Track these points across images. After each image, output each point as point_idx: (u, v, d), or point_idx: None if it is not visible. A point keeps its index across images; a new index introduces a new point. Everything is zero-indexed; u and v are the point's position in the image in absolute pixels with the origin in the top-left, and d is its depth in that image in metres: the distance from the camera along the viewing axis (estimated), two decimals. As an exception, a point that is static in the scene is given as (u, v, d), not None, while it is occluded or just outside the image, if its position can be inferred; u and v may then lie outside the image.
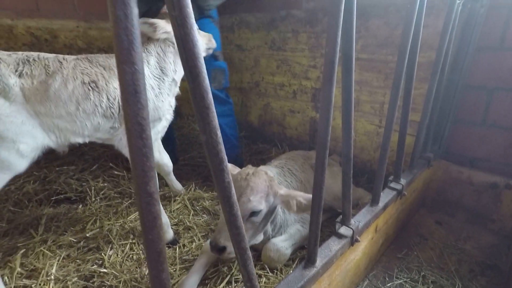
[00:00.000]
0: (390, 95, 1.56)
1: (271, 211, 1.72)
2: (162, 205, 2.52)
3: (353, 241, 1.32)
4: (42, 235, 2.26)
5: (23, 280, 1.86)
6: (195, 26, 0.54)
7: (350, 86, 1.12)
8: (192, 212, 2.56)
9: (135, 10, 0.41)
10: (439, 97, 2.25)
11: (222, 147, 0.58)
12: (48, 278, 1.87)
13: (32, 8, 4.02)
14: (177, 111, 5.19)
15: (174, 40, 2.04)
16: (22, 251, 2.08)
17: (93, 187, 2.84)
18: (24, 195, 2.72)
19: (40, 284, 1.83)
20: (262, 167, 2.24)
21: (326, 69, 0.94)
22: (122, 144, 2.00)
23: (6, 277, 1.86)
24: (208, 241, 2.03)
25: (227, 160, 0.62)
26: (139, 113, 0.43)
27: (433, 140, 2.39)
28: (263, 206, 1.59)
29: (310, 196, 1.52)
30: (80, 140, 1.89)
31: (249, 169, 1.76)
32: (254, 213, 1.59)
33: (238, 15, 3.72)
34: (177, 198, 2.74)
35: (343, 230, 1.34)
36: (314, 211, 1.06)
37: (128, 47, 0.41)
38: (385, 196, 1.68)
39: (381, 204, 1.59)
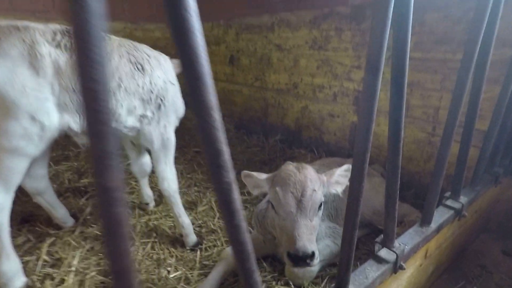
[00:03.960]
0: (452, 99, 1.30)
1: None
2: (187, 209, 2.43)
3: (396, 268, 1.08)
4: (72, 225, 2.30)
5: (47, 268, 1.87)
6: None
7: (402, 88, 0.93)
8: (218, 215, 2.44)
9: None
10: (512, 103, 1.87)
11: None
12: (70, 270, 1.86)
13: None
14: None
15: None
16: (51, 240, 2.12)
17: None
18: (60, 185, 2.82)
19: (61, 275, 1.82)
20: None
21: (369, 68, 0.78)
22: (150, 137, 1.92)
23: (32, 264, 1.89)
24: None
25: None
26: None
27: (503, 153, 1.99)
28: (323, 198, 1.53)
29: (346, 165, 1.59)
30: None
31: (293, 164, 1.63)
32: (320, 206, 1.51)
33: (279, 14, 3.58)
34: (203, 200, 2.64)
35: (384, 253, 1.10)
36: (348, 228, 0.85)
37: None
38: (440, 215, 1.38)
39: (434, 224, 1.31)
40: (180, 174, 3.14)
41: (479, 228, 2.01)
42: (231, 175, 0.49)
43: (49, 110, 1.53)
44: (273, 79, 3.86)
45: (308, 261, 1.34)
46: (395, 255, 1.07)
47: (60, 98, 1.55)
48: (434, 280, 1.66)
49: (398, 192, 1.00)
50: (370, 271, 1.03)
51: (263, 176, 1.61)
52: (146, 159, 2.37)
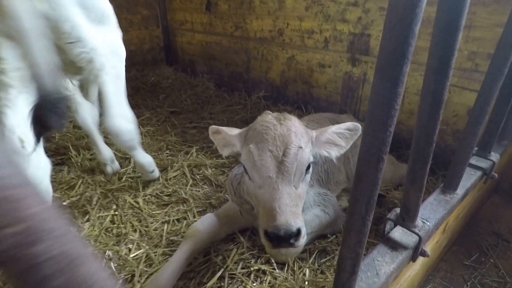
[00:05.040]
0: (501, 38, 0.92)
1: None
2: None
3: (416, 255, 0.76)
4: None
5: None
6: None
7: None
8: (190, 181, 2.10)
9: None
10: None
11: None
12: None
13: None
14: (192, 69, 4.64)
15: None
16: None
17: (79, 147, 2.45)
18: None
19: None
20: None
21: None
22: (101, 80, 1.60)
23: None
24: (212, 217, 1.56)
25: None
26: None
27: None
28: (311, 157, 1.18)
29: (350, 123, 1.21)
30: None
31: (272, 114, 1.23)
32: (308, 169, 1.14)
33: None
34: (175, 164, 2.27)
35: (399, 234, 0.77)
36: (356, 207, 0.50)
37: None
38: (466, 178, 1.06)
39: (460, 191, 0.99)
40: (152, 136, 2.76)
41: (490, 189, 1.74)
42: None
43: None
44: (256, 26, 3.33)
45: (292, 241, 1.01)
46: (418, 237, 0.74)
47: None
48: (443, 254, 1.39)
49: (432, 150, 0.64)
50: (381, 263, 0.70)
51: (234, 131, 1.23)
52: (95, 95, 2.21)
